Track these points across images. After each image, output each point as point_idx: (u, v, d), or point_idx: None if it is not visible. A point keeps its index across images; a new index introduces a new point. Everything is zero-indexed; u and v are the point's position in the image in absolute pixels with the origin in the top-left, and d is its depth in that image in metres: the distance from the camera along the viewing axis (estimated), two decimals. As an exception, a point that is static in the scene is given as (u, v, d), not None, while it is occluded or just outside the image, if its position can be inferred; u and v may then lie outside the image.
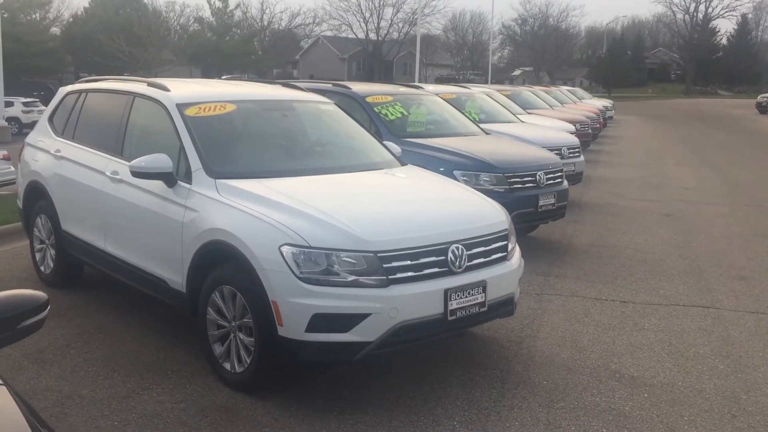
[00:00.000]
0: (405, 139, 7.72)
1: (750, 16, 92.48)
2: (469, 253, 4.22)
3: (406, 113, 8.53)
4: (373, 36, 76.67)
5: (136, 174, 4.67)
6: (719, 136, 28.23)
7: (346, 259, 3.88)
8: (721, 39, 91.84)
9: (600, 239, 8.72)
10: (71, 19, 55.29)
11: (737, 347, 5.19)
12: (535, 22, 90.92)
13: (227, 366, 4.27)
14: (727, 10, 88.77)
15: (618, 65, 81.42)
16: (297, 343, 3.87)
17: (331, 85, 8.78)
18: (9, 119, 28.35)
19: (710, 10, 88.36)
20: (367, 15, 76.00)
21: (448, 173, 6.94)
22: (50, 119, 6.50)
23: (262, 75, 62.14)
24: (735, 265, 7.60)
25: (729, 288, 6.72)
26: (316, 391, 4.27)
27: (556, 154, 9.26)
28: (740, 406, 4.23)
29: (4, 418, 1.68)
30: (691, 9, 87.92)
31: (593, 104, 27.20)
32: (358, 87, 8.79)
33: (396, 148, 5.86)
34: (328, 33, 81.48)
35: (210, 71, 58.23)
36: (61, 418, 3.87)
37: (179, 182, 4.62)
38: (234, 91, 5.82)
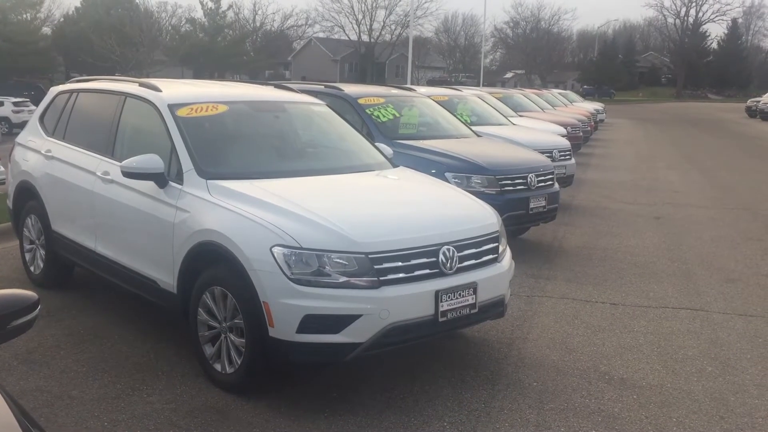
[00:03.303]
0: (397, 141, 7.73)
1: (740, 20, 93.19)
2: (459, 254, 4.24)
3: (398, 115, 8.54)
4: (365, 38, 76.78)
5: (127, 174, 4.67)
6: (709, 139, 28.40)
7: (338, 260, 3.88)
8: (712, 43, 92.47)
9: (590, 242, 8.76)
10: (62, 19, 55.04)
11: (725, 349, 5.23)
12: (527, 25, 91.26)
13: (218, 367, 4.26)
14: (718, 14, 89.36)
15: (609, 68, 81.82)
16: (288, 344, 3.87)
17: (323, 87, 8.79)
18: (-1, 119, 28.23)
19: (701, 14, 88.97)
20: (360, 17, 76.19)
21: (440, 175, 6.96)
22: (41, 119, 6.48)
23: (254, 76, 62.02)
24: (724, 267, 7.65)
25: (718, 290, 6.77)
26: (306, 392, 4.27)
27: (547, 156, 9.30)
28: (728, 407, 4.27)
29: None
30: (682, 13, 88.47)
31: (584, 107, 27.31)
32: (350, 89, 8.80)
33: (388, 150, 5.87)
34: (321, 34, 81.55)
35: (202, 72, 58.10)
36: (51, 419, 3.86)
37: (170, 183, 4.62)
38: (226, 92, 5.81)
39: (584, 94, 75.61)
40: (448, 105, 10.40)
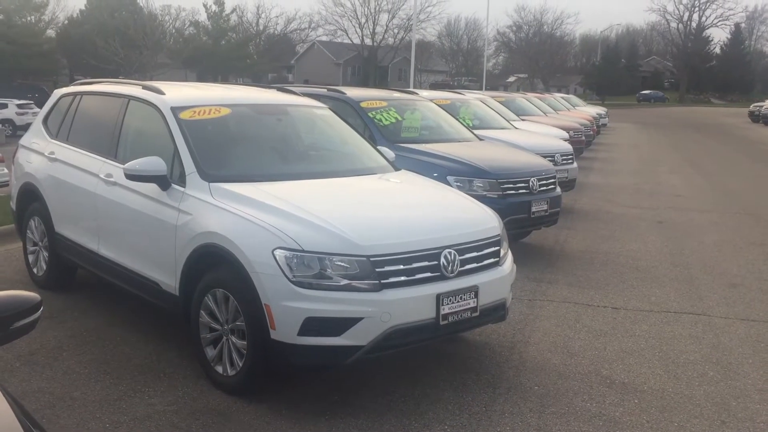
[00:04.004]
0: (399, 145, 7.74)
1: (743, 25, 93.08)
2: (461, 258, 4.24)
3: (400, 118, 8.55)
4: (368, 41, 76.78)
5: (130, 177, 4.68)
6: (712, 144, 28.38)
7: (339, 263, 3.89)
8: (715, 48, 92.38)
9: (592, 246, 8.76)
10: (66, 22, 55.11)
11: (727, 354, 5.22)
12: (529, 29, 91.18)
13: (219, 369, 4.27)
14: (721, 19, 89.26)
15: (612, 73, 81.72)
16: (289, 347, 3.88)
17: (325, 90, 8.81)
18: (3, 121, 28.31)
19: (704, 19, 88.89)
20: (363, 20, 76.16)
21: (442, 178, 6.96)
22: (44, 121, 6.50)
23: (257, 79, 62.09)
24: (726, 272, 7.65)
25: (720, 295, 6.76)
26: (307, 394, 4.27)
27: (549, 160, 9.30)
28: (730, 412, 4.26)
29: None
30: (685, 18, 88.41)
31: (587, 111, 27.32)
32: (352, 92, 8.81)
33: (390, 153, 5.88)
34: (324, 38, 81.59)
35: (205, 75, 58.17)
36: (53, 420, 3.86)
37: (173, 185, 4.63)
38: (229, 95, 5.83)
39: (639, 99, 76.50)
40: (450, 109, 10.42)
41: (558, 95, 31.03)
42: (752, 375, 4.85)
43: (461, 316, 4.18)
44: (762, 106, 45.00)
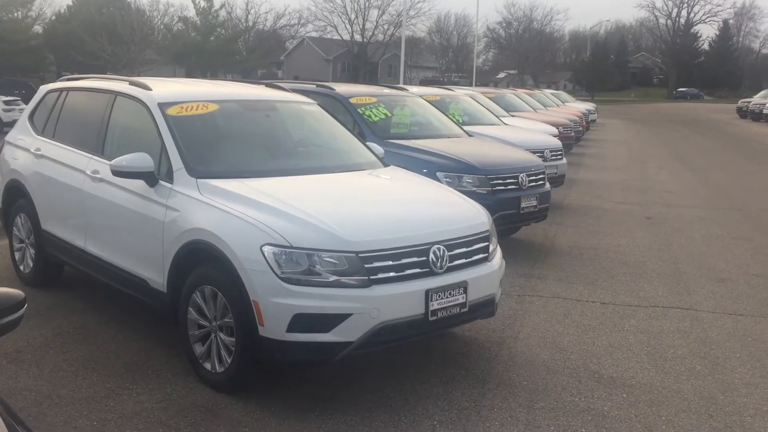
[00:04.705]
0: (388, 141, 7.73)
1: (731, 21, 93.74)
2: (450, 253, 4.24)
3: (389, 115, 8.54)
4: (358, 38, 76.66)
5: (117, 173, 4.65)
6: (700, 140, 28.52)
7: (328, 259, 3.88)
8: (703, 44, 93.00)
9: (581, 241, 8.78)
10: (54, 18, 54.70)
11: (715, 348, 5.25)
12: (519, 26, 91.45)
13: (208, 366, 4.26)
14: (709, 15, 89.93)
15: (601, 69, 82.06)
16: (278, 343, 3.87)
17: (315, 86, 8.78)
18: (-11, 118, 28.04)
19: (692, 15, 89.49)
20: (353, 16, 76.01)
21: (431, 174, 6.96)
22: (30, 117, 6.45)
23: (246, 75, 61.84)
24: (714, 267, 7.69)
25: (708, 290, 6.79)
26: (296, 391, 4.26)
27: (538, 156, 9.32)
28: (717, 406, 4.29)
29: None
30: (674, 14, 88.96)
31: (576, 107, 27.38)
32: (342, 88, 8.79)
33: (379, 149, 5.87)
34: (313, 34, 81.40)
35: (194, 71, 57.90)
36: (40, 418, 3.84)
37: (160, 182, 4.60)
38: (217, 90, 5.80)
39: (676, 96, 78.14)
40: (439, 105, 10.41)
41: (547, 91, 31.09)
42: (739, 369, 4.87)
43: (450, 311, 4.18)
44: (750, 102, 45.23)
